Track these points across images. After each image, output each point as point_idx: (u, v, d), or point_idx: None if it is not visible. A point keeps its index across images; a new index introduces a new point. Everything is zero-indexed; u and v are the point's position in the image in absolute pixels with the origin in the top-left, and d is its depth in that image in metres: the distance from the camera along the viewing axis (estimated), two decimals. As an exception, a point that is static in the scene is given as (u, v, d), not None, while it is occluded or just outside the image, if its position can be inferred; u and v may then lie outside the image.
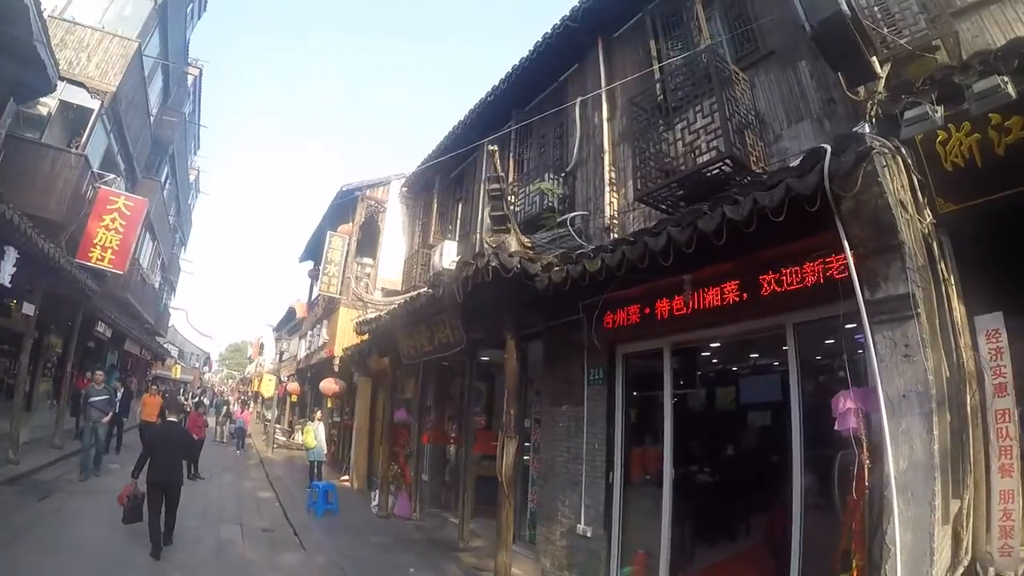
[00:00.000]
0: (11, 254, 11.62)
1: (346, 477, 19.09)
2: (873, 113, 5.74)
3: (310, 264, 30.37)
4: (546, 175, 11.67)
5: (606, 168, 10.16)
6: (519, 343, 8.56)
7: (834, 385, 5.57)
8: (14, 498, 11.08)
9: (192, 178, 40.77)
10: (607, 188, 10.05)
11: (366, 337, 15.63)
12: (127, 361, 36.57)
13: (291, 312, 36.88)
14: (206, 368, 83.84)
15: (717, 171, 7.20)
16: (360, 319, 16.03)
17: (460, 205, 16.63)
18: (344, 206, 22.23)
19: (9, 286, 11.85)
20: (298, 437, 28.38)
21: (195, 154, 39.85)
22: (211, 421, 28.09)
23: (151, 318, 32.41)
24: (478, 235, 13.96)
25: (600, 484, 8.46)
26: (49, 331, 19.60)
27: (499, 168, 8.47)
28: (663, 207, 8.16)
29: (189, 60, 30.17)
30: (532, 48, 11.80)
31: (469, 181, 15.92)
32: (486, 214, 12.35)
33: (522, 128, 13.19)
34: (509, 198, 12.58)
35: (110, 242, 17.59)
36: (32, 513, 10.41)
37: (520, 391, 8.64)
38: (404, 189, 20.93)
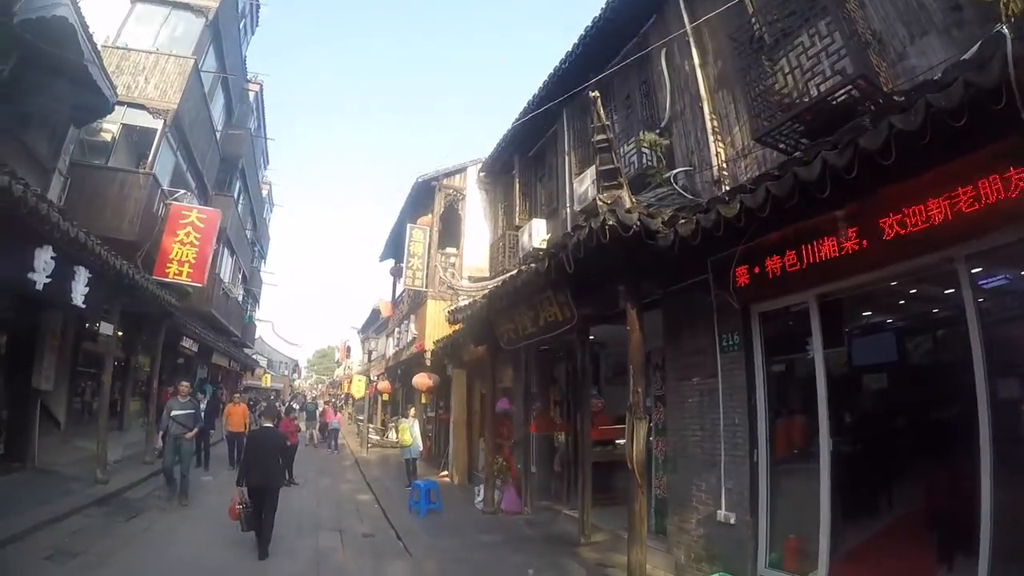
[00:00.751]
0: (82, 274, 11.29)
1: (445, 473, 18.49)
2: (1010, 11, 4.75)
3: (391, 262, 30.18)
4: (641, 133, 10.71)
5: (707, 117, 9.19)
6: (641, 312, 7.57)
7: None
8: (102, 519, 10.56)
9: (265, 192, 41.23)
10: (711, 138, 9.08)
11: (459, 326, 14.93)
12: (217, 374, 37.06)
13: (375, 313, 36.79)
14: (295, 375, 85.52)
15: (845, 96, 6.13)
16: (452, 308, 15.26)
17: (542, 183, 15.99)
18: (422, 198, 21.69)
19: (83, 306, 11.63)
20: (392, 435, 28.00)
21: (265, 168, 40.48)
22: (303, 426, 27.89)
23: (237, 330, 33.15)
24: (567, 209, 13.32)
25: (742, 463, 7.44)
26: (136, 351, 19.56)
27: (603, 117, 7.48)
28: (781, 147, 7.15)
29: (248, 76, 30.44)
30: (605, 4, 10.95)
31: (550, 155, 15.21)
32: (586, 175, 11.87)
33: (603, 91, 12.12)
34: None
35: (186, 256, 17.56)
36: (120, 534, 9.87)
37: (640, 367, 7.64)
38: (482, 174, 20.37)
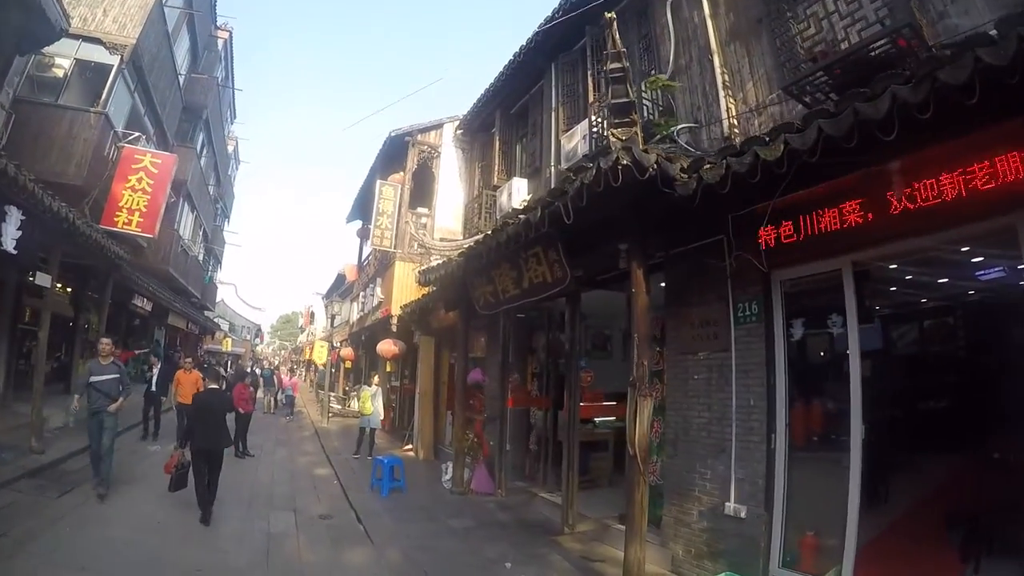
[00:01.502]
0: (13, 215, 10.10)
1: (409, 447, 17.45)
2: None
3: (359, 224, 29.14)
4: (650, 75, 9.77)
5: (717, 71, 8.35)
6: (647, 274, 6.57)
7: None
8: (31, 495, 9.27)
9: (231, 148, 40.09)
10: (721, 93, 8.21)
11: (429, 289, 13.88)
12: (175, 337, 36.12)
13: (340, 278, 36.05)
14: (257, 340, 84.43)
15: (884, 48, 5.44)
16: (423, 269, 14.06)
17: (524, 142, 15.10)
18: (394, 154, 20.39)
19: (14, 252, 10.32)
20: (354, 404, 27.09)
21: (232, 123, 38.97)
22: (260, 393, 26.68)
23: (197, 291, 32.19)
24: (552, 168, 12.56)
25: (757, 450, 6.55)
26: (86, 308, 18.02)
27: (619, 43, 6.40)
28: (807, 100, 6.33)
29: (218, 23, 29.08)
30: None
31: (535, 113, 14.27)
32: (592, 110, 11.01)
33: (598, 43, 11.50)
34: (593, 118, 10.84)
35: (137, 204, 16.26)
36: (48, 513, 8.57)
37: (646, 336, 6.65)
38: (459, 132, 19.30)
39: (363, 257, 27.99)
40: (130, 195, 16.10)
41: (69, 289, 17.22)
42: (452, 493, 11.84)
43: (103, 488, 9.57)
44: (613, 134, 5.81)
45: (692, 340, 7.54)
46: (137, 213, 16.15)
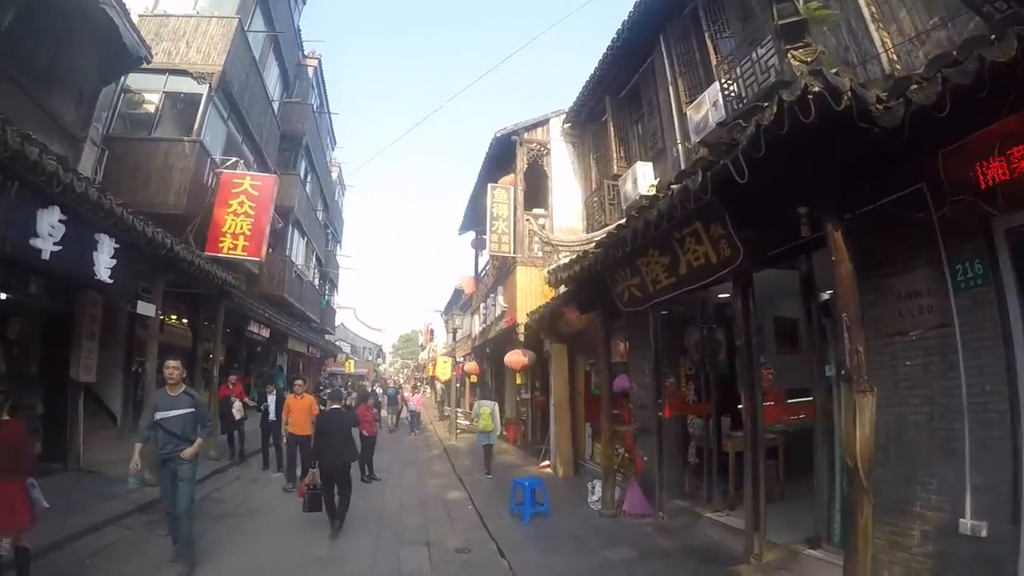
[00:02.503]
0: (105, 243, 9.65)
1: (546, 463, 16.30)
2: None
3: (472, 234, 28.38)
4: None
5: (861, 3, 7.23)
6: (846, 236, 5.25)
7: None
8: (139, 531, 8.79)
9: (335, 175, 40.57)
10: (871, 26, 7.12)
11: (557, 292, 12.78)
12: (298, 361, 36.31)
13: (458, 292, 35.87)
14: (379, 360, 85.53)
15: None
16: (552, 268, 12.81)
17: (640, 124, 14.20)
18: (502, 156, 19.46)
19: (110, 282, 9.94)
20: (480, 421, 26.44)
21: (333, 149, 39.49)
22: (384, 412, 26.69)
23: (315, 316, 32.57)
24: (678, 147, 11.47)
25: (999, 450, 5.07)
26: (201, 338, 17.52)
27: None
28: (985, 10, 5.05)
29: (306, 52, 29.66)
30: None
31: (648, 92, 13.40)
32: (719, 72, 10.00)
33: (711, 3, 10.77)
34: (723, 81, 9.59)
35: (240, 228, 16.00)
36: (154, 553, 7.85)
37: (857, 315, 5.30)
38: (566, 126, 18.27)
39: (480, 268, 27.34)
40: (233, 219, 15.87)
41: (184, 320, 17.00)
42: (602, 516, 10.58)
43: (185, 567, 7.38)
44: (794, 56, 4.55)
45: (897, 318, 6.01)
46: (242, 237, 15.88)
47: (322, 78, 32.80)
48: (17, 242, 7.59)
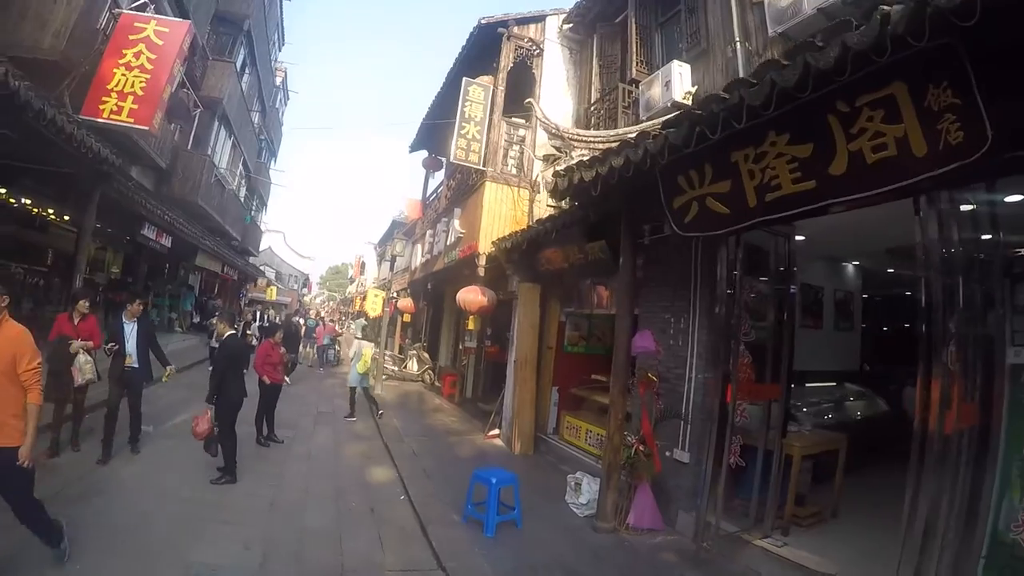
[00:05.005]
0: None
1: (495, 432, 12.92)
2: None
3: (424, 154, 24.98)
4: None
5: None
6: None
7: None
8: None
9: (279, 80, 36.53)
10: None
11: (562, 206, 9.79)
12: (212, 283, 33.01)
13: (395, 224, 33.04)
14: (305, 290, 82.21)
15: None
16: (562, 167, 8.73)
17: (665, 27, 12.07)
18: (483, 50, 15.81)
19: None
20: (412, 366, 23.61)
21: (280, 49, 35.06)
22: (300, 348, 23.84)
23: (236, 232, 28.70)
24: (736, 44, 8.99)
25: None
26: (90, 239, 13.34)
27: None
28: None
29: None
30: None
31: None
32: None
33: None
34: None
35: (131, 86, 11.89)
36: None
37: None
38: (567, 27, 15.24)
39: (429, 191, 23.99)
40: (123, 75, 11.83)
41: (66, 216, 13.18)
42: (597, 531, 7.31)
43: None
44: None
45: None
46: (130, 98, 11.76)
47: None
48: None
